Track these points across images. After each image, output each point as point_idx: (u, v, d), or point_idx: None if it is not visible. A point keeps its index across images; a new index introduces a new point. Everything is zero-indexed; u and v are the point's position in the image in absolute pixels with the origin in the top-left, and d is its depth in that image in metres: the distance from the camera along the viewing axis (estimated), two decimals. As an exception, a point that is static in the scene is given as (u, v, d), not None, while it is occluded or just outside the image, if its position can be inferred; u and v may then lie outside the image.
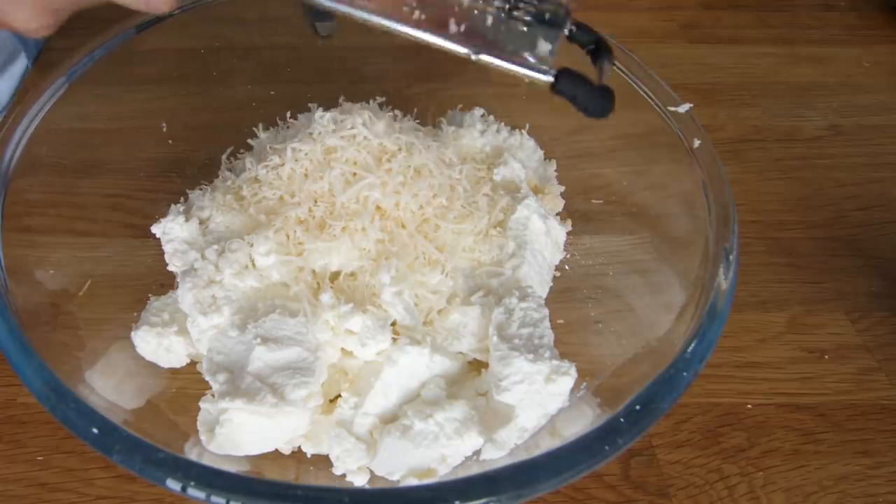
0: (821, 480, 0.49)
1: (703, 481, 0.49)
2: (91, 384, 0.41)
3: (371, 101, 0.57)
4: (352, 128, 0.51)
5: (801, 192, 0.69)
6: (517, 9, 0.42)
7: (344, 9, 0.40)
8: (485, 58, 0.40)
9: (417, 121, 0.61)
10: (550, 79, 0.40)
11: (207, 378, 0.45)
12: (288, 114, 0.60)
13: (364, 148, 0.51)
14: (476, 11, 0.41)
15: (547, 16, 0.42)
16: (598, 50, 0.44)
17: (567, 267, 0.57)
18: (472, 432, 0.44)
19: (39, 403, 0.37)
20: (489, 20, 0.41)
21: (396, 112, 0.58)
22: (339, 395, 0.47)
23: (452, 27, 0.40)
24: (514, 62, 0.40)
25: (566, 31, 0.42)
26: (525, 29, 0.41)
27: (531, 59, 0.40)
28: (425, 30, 0.40)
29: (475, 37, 0.40)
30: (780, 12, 0.91)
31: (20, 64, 0.77)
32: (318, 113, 0.54)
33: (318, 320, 0.47)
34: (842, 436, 0.51)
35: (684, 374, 0.39)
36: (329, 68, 0.67)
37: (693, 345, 0.40)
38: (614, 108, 0.41)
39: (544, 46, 0.41)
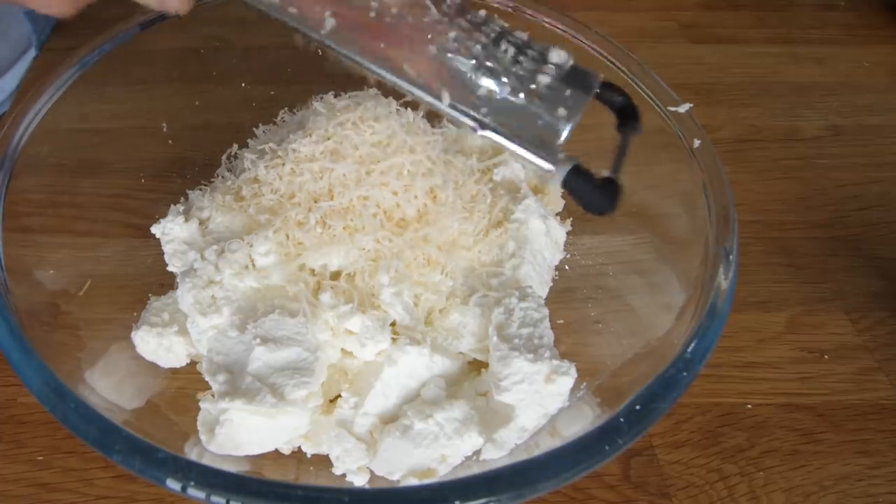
0: (821, 480, 0.49)
1: (703, 481, 0.49)
2: (91, 384, 0.41)
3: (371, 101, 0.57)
4: (354, 130, 0.51)
5: (801, 192, 0.69)
6: (543, 71, 0.38)
7: (362, 61, 0.39)
8: (489, 135, 0.37)
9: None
10: (553, 169, 0.37)
11: (207, 378, 0.45)
12: (286, 112, 0.60)
13: (364, 148, 0.51)
14: (494, 85, 0.37)
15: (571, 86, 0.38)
16: (626, 112, 0.41)
17: (567, 267, 0.57)
18: (472, 432, 0.44)
19: (39, 403, 0.37)
20: (506, 90, 0.37)
21: (399, 108, 0.57)
22: (339, 395, 0.47)
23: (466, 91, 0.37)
24: (520, 144, 0.37)
25: (594, 93, 0.39)
26: (539, 109, 0.37)
27: (537, 143, 0.37)
28: (437, 96, 0.37)
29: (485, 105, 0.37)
30: (780, 12, 0.91)
31: (30, 55, 0.78)
32: (318, 112, 0.54)
33: (317, 320, 0.47)
34: (841, 436, 0.51)
35: (684, 374, 0.39)
36: (329, 68, 0.67)
37: (693, 345, 0.40)
38: (618, 204, 0.38)
39: (561, 123, 0.37)
